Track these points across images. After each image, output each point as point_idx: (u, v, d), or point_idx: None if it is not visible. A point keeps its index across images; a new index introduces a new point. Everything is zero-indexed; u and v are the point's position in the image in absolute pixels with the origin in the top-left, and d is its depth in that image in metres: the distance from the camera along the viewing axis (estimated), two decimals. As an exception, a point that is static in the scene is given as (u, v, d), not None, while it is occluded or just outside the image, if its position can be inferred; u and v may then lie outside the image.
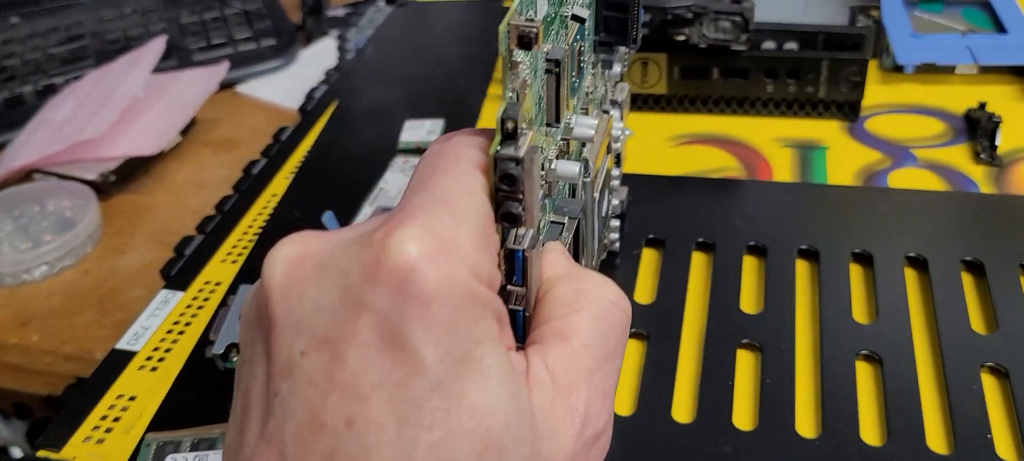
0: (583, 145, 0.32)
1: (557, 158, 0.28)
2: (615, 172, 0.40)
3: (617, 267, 0.42)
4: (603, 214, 0.37)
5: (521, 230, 0.24)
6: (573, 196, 0.31)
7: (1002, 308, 0.37)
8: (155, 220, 0.61)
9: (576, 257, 0.31)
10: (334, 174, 0.51)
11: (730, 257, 0.41)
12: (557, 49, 0.26)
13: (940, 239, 0.41)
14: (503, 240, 0.24)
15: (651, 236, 0.43)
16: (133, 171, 0.64)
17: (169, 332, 0.40)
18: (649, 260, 0.42)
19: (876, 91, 0.54)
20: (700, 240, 0.43)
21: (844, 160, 0.48)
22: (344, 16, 0.93)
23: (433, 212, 0.21)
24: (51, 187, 0.60)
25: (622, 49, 0.35)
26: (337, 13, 0.93)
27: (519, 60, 0.23)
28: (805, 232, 0.42)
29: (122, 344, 0.40)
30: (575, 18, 0.29)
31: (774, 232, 0.42)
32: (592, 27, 0.33)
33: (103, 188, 0.62)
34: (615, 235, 0.42)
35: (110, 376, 0.38)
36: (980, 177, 0.46)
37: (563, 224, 0.29)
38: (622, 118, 0.40)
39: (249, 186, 0.51)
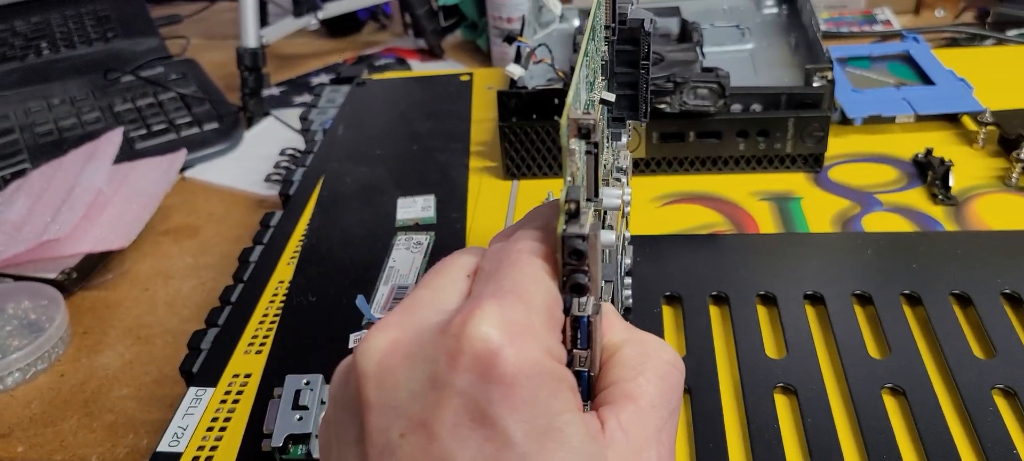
0: (606, 213, 0.35)
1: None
2: (626, 234, 0.43)
3: (642, 324, 0.44)
4: (622, 274, 0.39)
5: (583, 298, 0.26)
6: (607, 262, 0.34)
7: (993, 333, 0.41)
8: (126, 316, 0.59)
9: None
10: (337, 256, 0.51)
11: (745, 308, 0.44)
12: (595, 133, 0.29)
13: (928, 276, 0.45)
14: (568, 309, 0.26)
15: (668, 293, 0.45)
16: (93, 267, 0.62)
17: (210, 429, 0.40)
18: (670, 316, 0.45)
19: (831, 143, 0.59)
20: (714, 293, 0.45)
21: (819, 208, 0.53)
22: (280, 95, 0.93)
23: (505, 301, 0.24)
24: (8, 290, 0.58)
25: (641, 123, 0.38)
26: (272, 92, 0.93)
27: (574, 148, 0.25)
28: (807, 279, 0.46)
29: (163, 446, 0.39)
30: (603, 101, 0.32)
31: (779, 281, 0.46)
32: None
33: (65, 286, 0.60)
34: (628, 292, 0.44)
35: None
36: (941, 216, 0.51)
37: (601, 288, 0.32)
38: (627, 183, 0.42)
39: (251, 274, 0.50)
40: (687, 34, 0.64)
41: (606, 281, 0.31)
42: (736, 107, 0.55)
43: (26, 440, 0.49)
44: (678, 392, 0.27)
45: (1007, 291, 0.44)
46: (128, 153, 0.76)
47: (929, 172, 0.54)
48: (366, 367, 0.24)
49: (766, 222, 0.52)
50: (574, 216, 0.24)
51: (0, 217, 0.62)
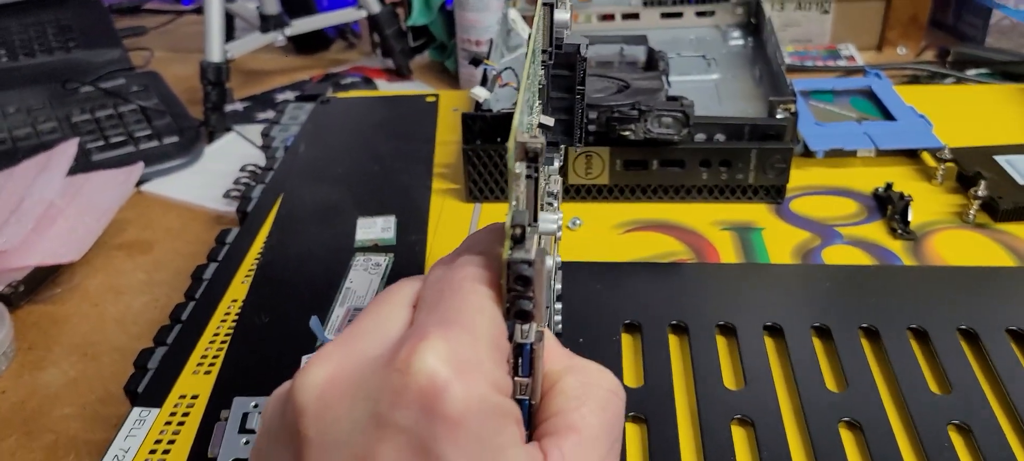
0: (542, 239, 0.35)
1: None
2: (557, 259, 0.42)
3: (600, 353, 0.43)
4: (553, 300, 0.39)
5: (526, 326, 0.26)
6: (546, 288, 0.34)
7: (951, 370, 0.41)
8: (73, 332, 0.58)
9: None
10: (293, 276, 0.50)
11: (704, 338, 0.44)
12: (542, 155, 0.29)
13: (886, 311, 0.45)
14: (511, 337, 0.26)
15: (627, 321, 0.45)
16: (42, 280, 0.61)
17: (153, 452, 0.38)
18: (629, 345, 0.44)
19: (793, 175, 0.59)
20: (673, 322, 0.45)
21: (779, 240, 0.53)
22: (243, 110, 0.92)
23: (450, 333, 0.23)
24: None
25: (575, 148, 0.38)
26: (235, 107, 0.92)
27: (520, 172, 0.25)
28: (767, 310, 0.45)
29: (102, 470, 0.38)
30: (542, 126, 0.32)
31: (740, 311, 0.45)
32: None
33: (11, 300, 0.58)
34: (558, 318, 0.44)
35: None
36: (899, 250, 0.51)
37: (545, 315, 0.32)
38: (558, 208, 0.42)
39: (204, 292, 0.49)
40: (653, 62, 0.64)
41: (546, 307, 0.31)
42: (700, 136, 0.55)
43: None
44: (620, 422, 0.27)
45: (963, 327, 0.44)
46: (85, 165, 0.74)
47: (889, 206, 0.54)
48: (304, 401, 0.23)
49: (727, 252, 0.52)
50: (519, 241, 0.24)
51: (-54, 227, 0.60)
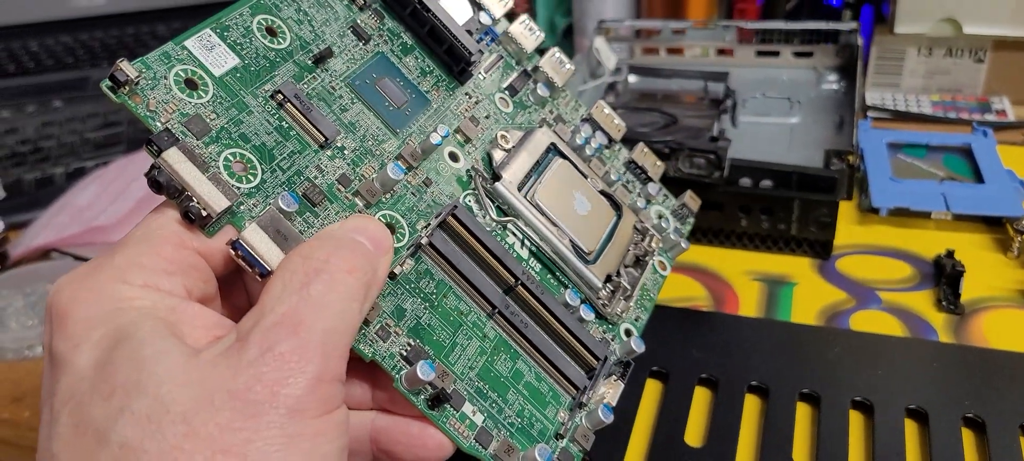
0: (488, 158, 0.36)
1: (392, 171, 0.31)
2: (625, 179, 0.42)
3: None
4: (583, 214, 0.37)
5: (243, 225, 0.27)
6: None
7: (940, 457, 0.38)
8: (159, 305, 0.64)
9: (547, 262, 0.35)
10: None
11: (682, 388, 0.43)
12: (288, 84, 0.31)
13: (887, 385, 0.42)
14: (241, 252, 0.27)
15: (608, 361, 0.44)
16: (145, 256, 0.68)
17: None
18: (604, 384, 0.44)
19: (851, 230, 0.56)
20: (654, 369, 0.44)
21: (810, 297, 0.50)
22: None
23: (94, 259, 0.25)
24: (64, 267, 0.64)
25: (523, 72, 0.40)
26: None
27: (161, 98, 0.28)
28: (758, 368, 0.43)
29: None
30: (318, 60, 0.33)
31: (728, 366, 0.44)
32: (438, 67, 0.37)
33: (114, 271, 0.65)
34: (674, 237, 0.41)
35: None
36: (941, 324, 0.47)
37: (428, 225, 0.33)
38: (602, 128, 0.42)
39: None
40: (723, 101, 0.62)
41: (434, 217, 0.33)
42: (745, 181, 0.53)
43: (33, 406, 0.54)
44: (308, 271, 0.25)
45: (970, 415, 0.40)
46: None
47: (942, 275, 0.50)
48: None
49: (748, 304, 0.50)
50: (158, 156, 0.27)
51: (71, 200, 0.68)
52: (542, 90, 0.40)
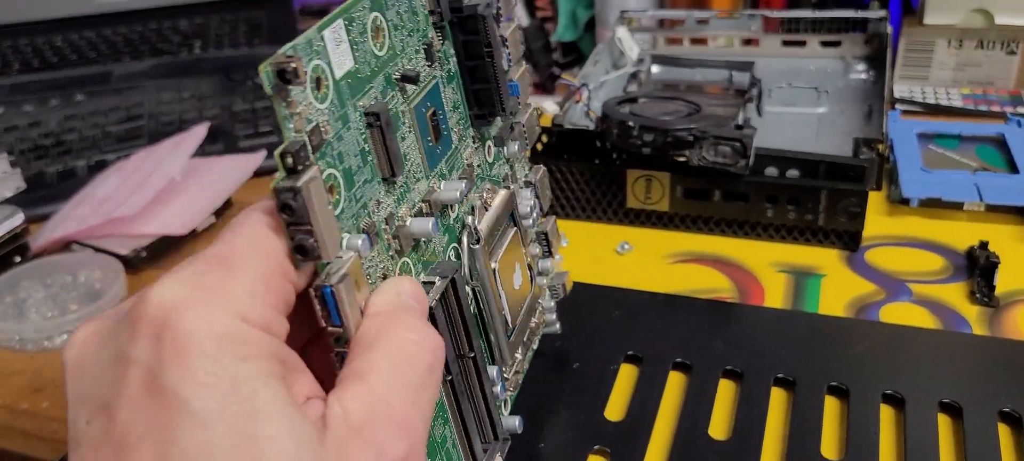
0: (471, 212, 0.35)
1: (414, 216, 0.30)
2: (535, 250, 0.41)
3: (592, 380, 0.42)
4: (517, 287, 0.37)
5: (332, 267, 0.25)
6: (444, 258, 0.33)
7: (974, 454, 0.36)
8: (179, 297, 0.64)
9: (467, 326, 0.32)
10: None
11: (706, 380, 0.42)
12: (378, 104, 0.28)
13: (919, 378, 0.41)
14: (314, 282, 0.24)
15: (630, 352, 0.44)
16: (165, 249, 0.67)
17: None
18: (626, 376, 0.43)
19: (880, 222, 0.54)
20: (678, 361, 0.43)
21: (838, 290, 0.49)
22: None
23: (201, 266, 0.22)
24: (84, 259, 0.63)
25: (514, 125, 0.37)
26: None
27: (298, 101, 0.24)
28: (784, 361, 0.42)
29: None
30: (405, 79, 0.30)
31: (753, 358, 0.43)
32: (462, 101, 0.35)
33: (134, 263, 0.64)
34: (551, 317, 0.42)
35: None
36: (974, 317, 0.46)
37: (433, 283, 0.30)
38: (537, 198, 0.40)
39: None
40: (748, 90, 0.61)
41: (439, 277, 0.30)
42: (771, 171, 0.52)
43: (53, 397, 0.54)
44: (421, 369, 0.25)
45: (1006, 409, 0.38)
46: (233, 149, 0.81)
47: (976, 267, 0.48)
48: (66, 360, 0.23)
49: (775, 296, 0.48)
50: (294, 171, 0.23)
51: (92, 192, 0.68)
52: (513, 147, 0.39)
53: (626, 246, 0.54)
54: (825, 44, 0.69)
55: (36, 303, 0.59)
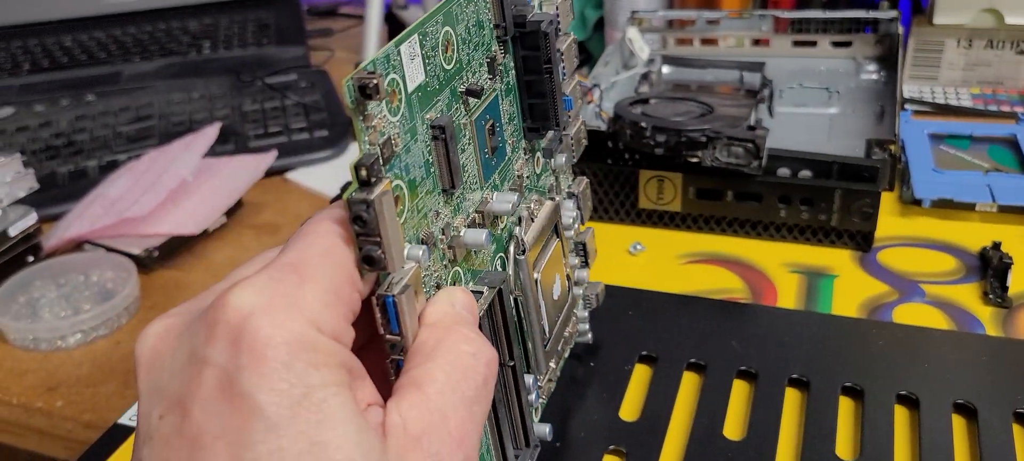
0: (518, 223, 0.35)
1: (468, 226, 0.30)
2: (574, 261, 0.41)
3: (607, 380, 0.42)
4: (556, 298, 0.38)
5: (394, 277, 0.25)
6: (496, 269, 0.33)
7: (989, 455, 0.36)
8: (190, 296, 0.64)
9: (510, 335, 0.32)
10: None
11: (720, 381, 0.42)
12: (443, 117, 0.28)
13: (933, 379, 0.41)
14: (377, 289, 0.25)
15: (644, 353, 0.44)
16: (177, 249, 0.67)
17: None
18: (640, 376, 0.43)
19: (892, 222, 0.54)
20: (692, 361, 0.43)
21: (851, 290, 0.49)
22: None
23: (276, 273, 0.23)
24: (97, 258, 0.64)
25: (562, 138, 0.37)
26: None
27: (375, 114, 0.25)
28: (798, 361, 0.42)
29: (125, 419, 0.42)
30: (470, 93, 0.31)
31: (768, 359, 0.43)
32: (517, 113, 0.35)
33: (146, 263, 0.65)
34: (585, 327, 0.43)
35: (108, 449, 0.40)
36: (988, 318, 0.46)
37: (481, 292, 0.31)
38: (579, 209, 0.41)
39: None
40: (759, 90, 0.61)
41: (490, 287, 0.31)
42: (784, 171, 0.52)
43: (68, 396, 0.54)
44: (476, 382, 0.25)
45: (1021, 410, 0.39)
46: (243, 149, 0.81)
47: (989, 268, 0.48)
48: (139, 353, 0.24)
49: (787, 296, 0.48)
50: (367, 184, 0.24)
51: (103, 192, 0.69)
52: (560, 159, 0.39)
53: (638, 246, 0.54)
54: (836, 44, 0.69)
55: (49, 303, 0.60)
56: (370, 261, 0.24)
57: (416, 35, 0.27)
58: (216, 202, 0.68)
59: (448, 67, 0.29)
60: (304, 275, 0.23)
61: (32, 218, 0.63)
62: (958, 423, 0.39)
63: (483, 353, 0.26)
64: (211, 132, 0.73)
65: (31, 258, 0.63)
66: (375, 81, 0.23)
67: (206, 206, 0.67)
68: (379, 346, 0.26)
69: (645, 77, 0.66)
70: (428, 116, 0.28)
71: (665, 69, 0.70)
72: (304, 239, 0.24)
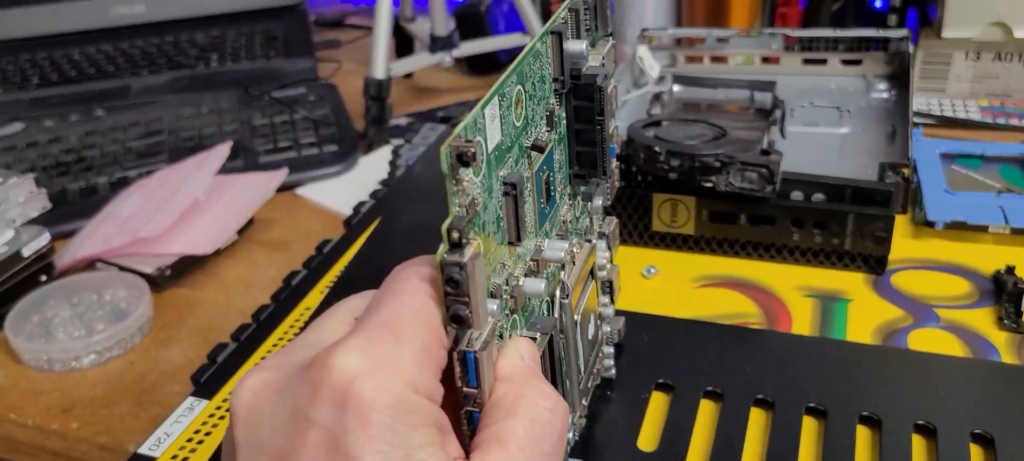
0: (562, 267, 0.35)
1: (525, 276, 0.31)
2: (603, 300, 0.42)
3: (625, 410, 0.42)
4: (590, 338, 0.39)
5: (475, 333, 0.26)
6: (544, 315, 0.34)
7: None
8: (202, 315, 0.64)
9: (556, 377, 0.33)
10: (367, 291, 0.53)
11: (737, 409, 0.42)
12: (514, 174, 0.29)
13: (951, 408, 0.41)
14: (457, 344, 0.26)
15: (661, 381, 0.44)
16: (188, 266, 0.68)
17: (189, 440, 0.42)
18: (658, 405, 0.43)
19: (906, 245, 0.54)
20: (709, 389, 0.43)
21: (866, 315, 0.49)
22: (406, 125, 0.97)
23: (374, 334, 0.24)
24: (110, 278, 0.64)
25: (601, 183, 0.38)
26: (399, 122, 0.98)
27: (464, 178, 0.25)
28: (815, 390, 0.42)
29: (144, 448, 0.42)
30: (535, 148, 0.32)
31: (784, 387, 0.43)
32: (565, 161, 0.36)
33: (158, 282, 0.65)
34: (610, 362, 0.43)
35: (129, 479, 0.40)
36: (1003, 343, 0.46)
37: (535, 338, 0.31)
38: (609, 249, 0.41)
39: (286, 297, 0.53)
40: (773, 111, 0.61)
41: (542, 333, 0.32)
42: (797, 195, 0.52)
43: (82, 417, 0.54)
44: (553, 438, 0.26)
45: (1038, 441, 0.39)
46: (253, 165, 0.82)
47: (1003, 292, 0.49)
48: (237, 407, 0.25)
49: (802, 322, 0.49)
50: (458, 245, 0.24)
51: (115, 210, 0.69)
52: (598, 203, 0.39)
53: (652, 270, 0.54)
54: (846, 62, 0.69)
55: (63, 322, 0.60)
56: (458, 320, 0.25)
57: (496, 97, 0.28)
58: (228, 221, 0.68)
59: (517, 124, 0.30)
60: (399, 336, 0.24)
61: (45, 238, 0.63)
62: (976, 453, 0.39)
63: (559, 408, 0.27)
64: (223, 150, 0.73)
65: (44, 278, 0.63)
66: (473, 150, 0.24)
67: (218, 225, 0.67)
68: (452, 393, 0.27)
69: (657, 97, 0.66)
70: (501, 173, 0.29)
71: (675, 88, 0.70)
72: (395, 298, 0.25)
